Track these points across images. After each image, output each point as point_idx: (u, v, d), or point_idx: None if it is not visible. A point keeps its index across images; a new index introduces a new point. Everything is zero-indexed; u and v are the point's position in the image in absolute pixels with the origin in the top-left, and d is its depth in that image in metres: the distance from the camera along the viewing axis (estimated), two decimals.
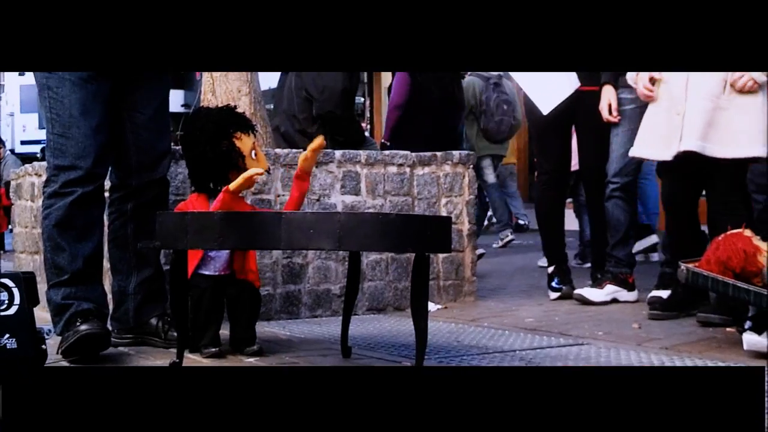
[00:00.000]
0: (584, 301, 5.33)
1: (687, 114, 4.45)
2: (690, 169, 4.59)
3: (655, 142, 4.62)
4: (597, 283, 5.46)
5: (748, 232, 3.96)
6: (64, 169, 3.79)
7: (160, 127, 4.11)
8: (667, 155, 4.54)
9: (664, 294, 5.09)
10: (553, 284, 5.72)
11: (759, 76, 4.35)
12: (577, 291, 5.47)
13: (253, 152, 3.84)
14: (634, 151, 4.81)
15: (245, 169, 3.74)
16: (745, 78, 4.36)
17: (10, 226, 10.58)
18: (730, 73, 4.38)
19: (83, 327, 3.69)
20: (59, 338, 3.79)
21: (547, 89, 5.47)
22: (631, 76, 4.84)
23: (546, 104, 5.47)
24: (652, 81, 4.70)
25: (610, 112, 5.29)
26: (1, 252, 13.87)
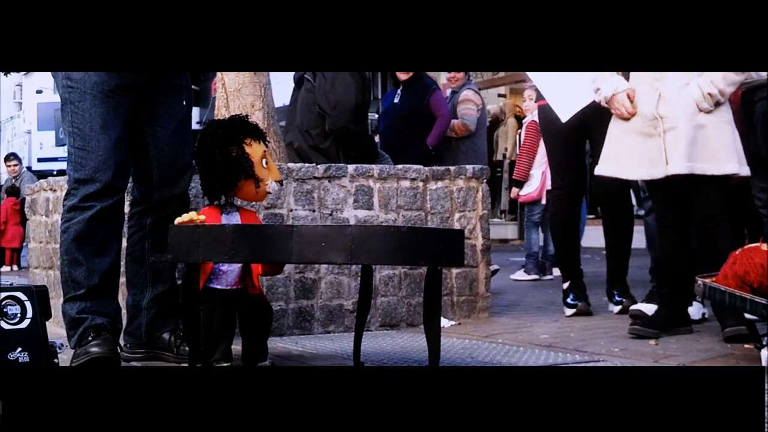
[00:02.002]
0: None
1: (668, 136, 4.41)
2: (678, 186, 4.54)
3: (637, 161, 4.55)
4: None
5: (765, 247, 3.92)
6: (83, 182, 3.83)
7: (182, 142, 4.11)
8: (657, 173, 4.48)
9: (645, 307, 5.04)
10: (569, 300, 5.67)
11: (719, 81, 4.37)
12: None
13: (264, 161, 3.80)
14: (605, 169, 4.75)
15: (255, 177, 3.75)
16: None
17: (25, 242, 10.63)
18: (701, 90, 4.36)
19: (94, 349, 3.70)
20: (73, 351, 3.79)
21: (568, 96, 5.42)
22: (604, 96, 4.74)
23: (565, 111, 5.42)
24: (630, 98, 4.67)
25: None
26: (12, 268, 13.94)
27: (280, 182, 3.93)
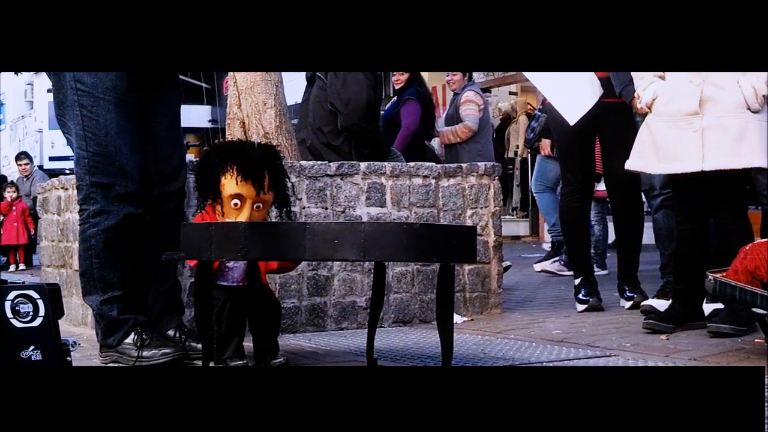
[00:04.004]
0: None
1: (709, 132, 4.35)
2: (701, 182, 4.51)
3: (667, 156, 4.51)
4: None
5: None
6: (102, 186, 3.87)
7: (176, 137, 4.15)
8: (690, 167, 4.41)
9: (657, 303, 5.03)
10: (580, 296, 5.68)
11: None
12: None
13: (235, 201, 3.68)
14: (632, 164, 4.73)
15: (220, 207, 3.71)
16: None
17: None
18: (756, 90, 4.32)
19: (166, 350, 3.92)
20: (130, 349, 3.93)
21: (572, 98, 5.43)
22: (645, 102, 4.67)
23: (572, 114, 5.41)
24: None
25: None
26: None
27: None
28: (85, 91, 3.85)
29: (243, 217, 3.66)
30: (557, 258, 9.00)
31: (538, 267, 8.99)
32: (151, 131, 4.03)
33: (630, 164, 4.78)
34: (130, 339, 3.92)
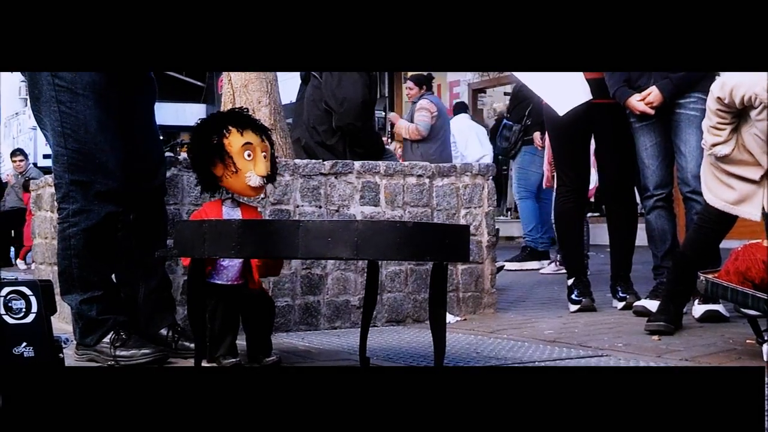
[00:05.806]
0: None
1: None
2: None
3: (735, 200, 4.36)
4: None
5: (766, 243, 3.93)
6: (81, 185, 3.82)
7: (154, 134, 4.14)
8: (748, 215, 4.28)
9: (650, 304, 5.03)
10: (573, 296, 5.68)
11: None
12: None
13: (248, 153, 3.70)
14: (709, 199, 4.50)
15: (232, 167, 3.68)
16: None
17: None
18: None
19: (145, 350, 3.86)
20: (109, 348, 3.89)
21: (562, 92, 5.43)
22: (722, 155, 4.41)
23: (562, 105, 5.42)
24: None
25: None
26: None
27: (268, 178, 3.79)
28: (64, 86, 3.79)
29: (259, 165, 3.72)
30: (552, 260, 9.05)
31: (509, 265, 9.03)
32: (129, 128, 3.98)
33: (707, 197, 4.57)
34: (107, 339, 3.88)
